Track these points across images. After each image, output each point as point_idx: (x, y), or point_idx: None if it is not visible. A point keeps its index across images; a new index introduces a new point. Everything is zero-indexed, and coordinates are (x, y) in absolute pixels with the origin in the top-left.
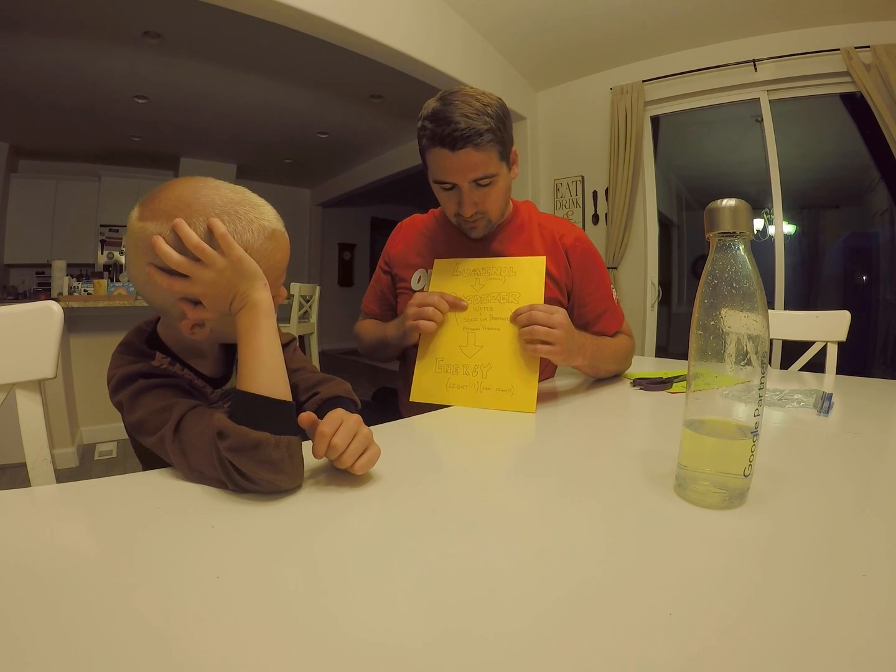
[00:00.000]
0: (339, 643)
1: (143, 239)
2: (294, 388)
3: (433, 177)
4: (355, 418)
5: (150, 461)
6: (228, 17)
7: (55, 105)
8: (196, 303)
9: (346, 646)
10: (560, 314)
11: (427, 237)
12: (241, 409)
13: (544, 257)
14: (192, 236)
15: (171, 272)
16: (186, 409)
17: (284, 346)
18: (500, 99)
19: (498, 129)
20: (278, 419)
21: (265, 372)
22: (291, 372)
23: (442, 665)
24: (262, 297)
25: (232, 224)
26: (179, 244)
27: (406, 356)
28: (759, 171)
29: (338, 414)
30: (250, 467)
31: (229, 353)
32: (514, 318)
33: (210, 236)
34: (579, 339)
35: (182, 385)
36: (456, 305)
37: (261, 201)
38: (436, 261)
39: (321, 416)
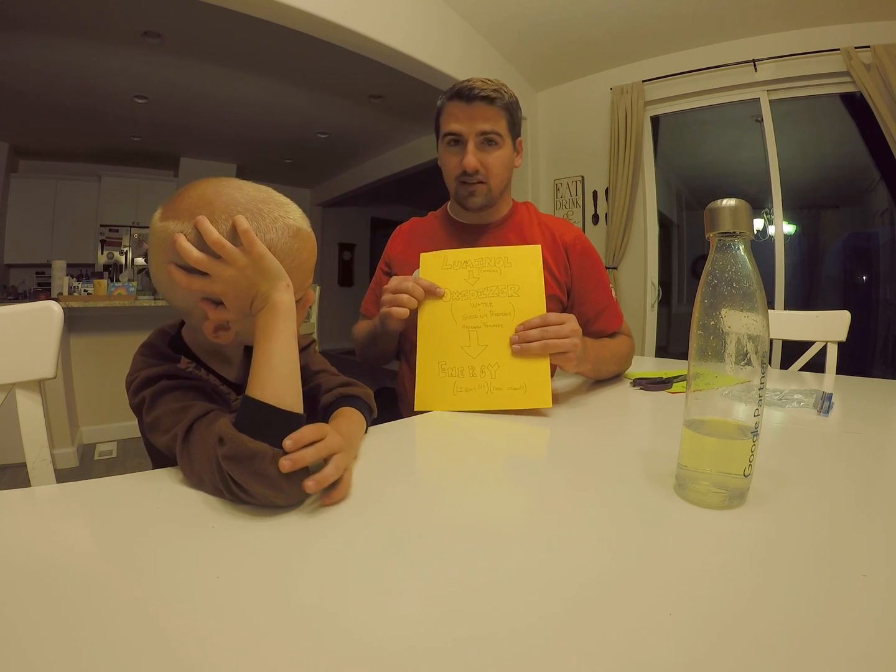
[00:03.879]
0: (340, 643)
1: (165, 238)
2: (316, 388)
3: (444, 129)
4: (337, 443)
5: (161, 464)
6: (228, 17)
7: (55, 105)
8: (218, 303)
9: (348, 646)
10: (572, 322)
11: (427, 235)
12: (243, 416)
13: (539, 246)
14: (213, 232)
15: (192, 270)
16: (202, 412)
17: (304, 347)
18: (514, 93)
19: (509, 105)
20: (282, 431)
21: (275, 378)
22: (313, 374)
23: (444, 665)
24: (283, 298)
25: (255, 222)
26: (200, 241)
27: (407, 359)
28: (759, 171)
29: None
30: (244, 478)
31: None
32: (524, 331)
33: (233, 234)
34: (585, 343)
35: (205, 389)
36: (432, 292)
37: (285, 200)
38: (421, 255)
39: (333, 410)
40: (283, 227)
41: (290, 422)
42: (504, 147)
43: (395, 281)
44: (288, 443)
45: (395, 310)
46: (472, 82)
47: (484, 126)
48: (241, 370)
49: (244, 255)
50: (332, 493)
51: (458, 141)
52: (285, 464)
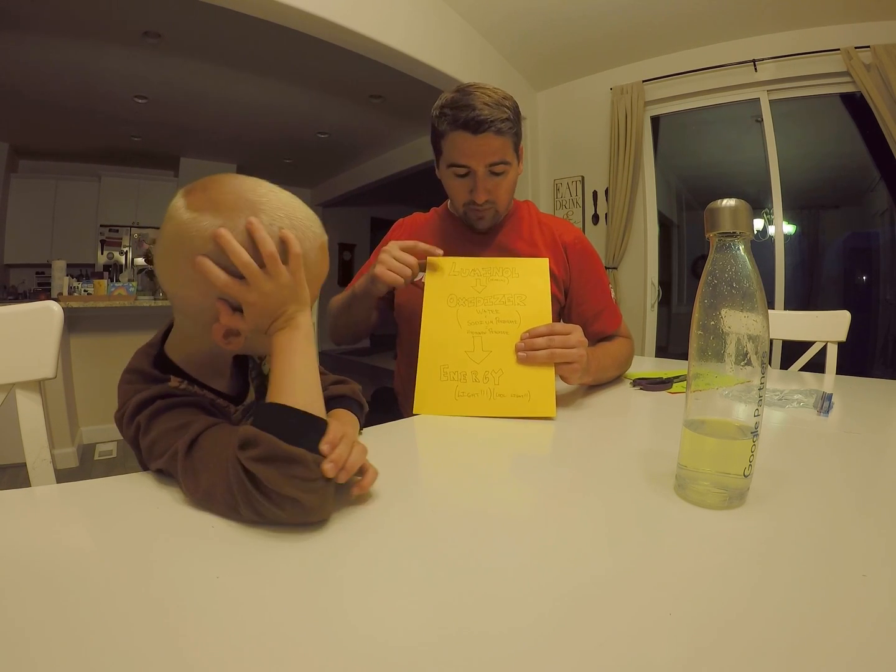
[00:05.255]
0: (341, 642)
1: (197, 230)
2: None
3: (450, 160)
4: (350, 436)
5: None
6: (228, 17)
7: (55, 105)
8: (235, 309)
9: (349, 645)
10: (578, 332)
11: (430, 232)
12: (273, 422)
13: (547, 259)
14: (269, 244)
15: (228, 269)
16: (206, 426)
17: None
18: (512, 97)
19: (514, 121)
20: (316, 436)
21: (304, 388)
22: None
23: (444, 663)
24: (306, 320)
25: (298, 237)
26: (251, 246)
27: (406, 357)
28: (759, 171)
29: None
30: (279, 482)
31: (241, 367)
32: (530, 339)
33: (280, 248)
34: (588, 354)
35: (204, 404)
36: (432, 262)
37: (307, 208)
38: (429, 259)
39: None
40: (312, 238)
41: (320, 427)
42: (511, 170)
43: (396, 251)
44: (325, 447)
45: (390, 274)
46: (478, 109)
47: (493, 158)
48: (233, 381)
49: (289, 275)
50: (364, 479)
51: (466, 174)
52: (328, 467)
